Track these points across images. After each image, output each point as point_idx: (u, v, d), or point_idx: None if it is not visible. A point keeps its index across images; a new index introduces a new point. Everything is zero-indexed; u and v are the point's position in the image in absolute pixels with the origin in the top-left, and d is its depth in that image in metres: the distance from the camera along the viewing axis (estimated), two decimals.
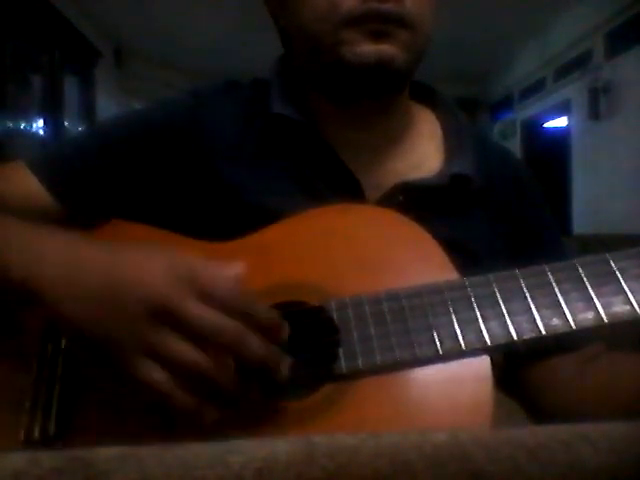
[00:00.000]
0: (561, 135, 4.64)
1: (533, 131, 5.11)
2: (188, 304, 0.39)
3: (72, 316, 0.42)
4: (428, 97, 0.67)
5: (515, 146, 5.16)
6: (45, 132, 3.27)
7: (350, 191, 0.57)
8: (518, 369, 0.61)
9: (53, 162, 0.60)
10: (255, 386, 0.44)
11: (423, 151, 0.63)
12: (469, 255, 0.55)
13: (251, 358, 0.40)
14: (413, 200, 0.57)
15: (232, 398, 0.42)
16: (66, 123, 3.53)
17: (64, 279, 0.42)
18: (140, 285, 0.40)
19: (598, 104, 3.75)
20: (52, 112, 3.34)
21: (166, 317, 0.39)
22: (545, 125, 5.08)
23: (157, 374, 0.39)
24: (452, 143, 0.62)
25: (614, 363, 0.56)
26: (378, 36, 0.53)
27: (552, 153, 4.67)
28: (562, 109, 4.46)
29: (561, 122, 4.75)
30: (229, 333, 0.40)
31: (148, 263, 0.42)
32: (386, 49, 0.53)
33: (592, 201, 4.03)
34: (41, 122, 3.26)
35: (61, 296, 0.42)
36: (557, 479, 0.21)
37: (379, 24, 0.53)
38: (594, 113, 3.80)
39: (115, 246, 0.45)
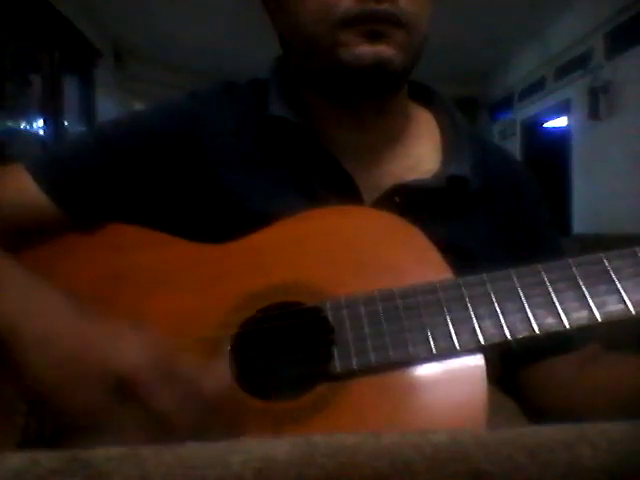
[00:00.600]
0: (561, 135, 4.64)
1: (533, 131, 5.11)
2: (153, 389, 0.39)
3: (38, 377, 0.41)
4: (426, 97, 0.67)
5: (515, 146, 5.16)
6: (45, 132, 3.26)
7: (347, 193, 0.57)
8: (517, 369, 0.61)
9: (52, 165, 0.60)
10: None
11: (421, 152, 0.63)
12: (466, 256, 0.55)
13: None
14: (410, 202, 0.57)
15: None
16: (66, 123, 3.52)
17: (39, 338, 0.42)
18: (112, 358, 0.40)
19: (598, 104, 3.75)
20: (52, 112, 3.34)
21: (128, 395, 0.39)
22: (545, 125, 5.08)
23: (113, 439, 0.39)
24: (450, 144, 0.62)
25: (611, 364, 0.57)
26: (374, 37, 0.53)
27: (552, 153, 4.67)
28: (562, 109, 4.46)
29: (561, 122, 4.75)
30: (186, 423, 0.39)
31: (130, 340, 0.42)
32: (383, 50, 0.53)
33: (592, 201, 4.03)
34: (41, 122, 3.26)
35: (32, 355, 0.41)
36: (557, 479, 0.21)
37: (375, 25, 0.53)
38: (594, 113, 3.80)
39: (100, 315, 0.44)
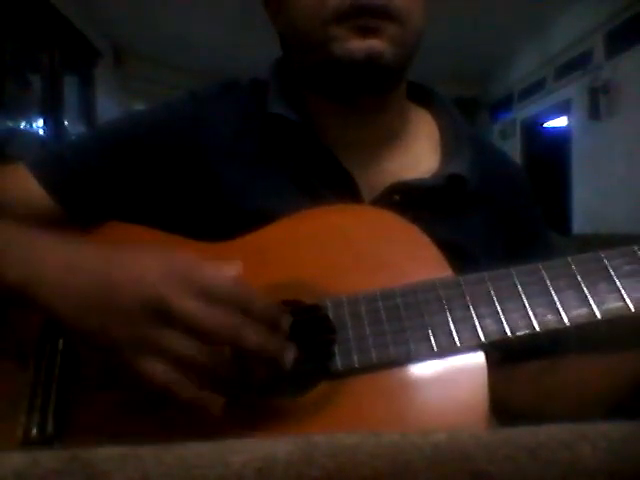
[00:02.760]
0: (561, 135, 4.64)
1: (533, 131, 5.11)
2: (183, 300, 0.40)
3: (69, 318, 0.42)
4: (426, 98, 0.67)
5: (515, 146, 5.16)
6: (45, 132, 3.26)
7: (347, 191, 0.58)
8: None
9: (53, 164, 0.60)
10: (257, 375, 0.44)
11: (420, 151, 0.63)
12: (465, 255, 0.55)
13: (252, 349, 0.40)
14: (409, 200, 0.57)
15: (234, 388, 0.42)
16: (66, 123, 3.52)
17: (60, 282, 0.43)
18: (135, 283, 0.41)
19: (598, 104, 3.75)
20: (52, 112, 3.34)
21: (162, 314, 0.40)
22: (545, 125, 5.08)
23: (158, 369, 0.40)
24: (449, 144, 0.62)
25: (579, 364, 0.57)
26: (366, 31, 0.53)
27: (552, 153, 4.67)
28: (562, 109, 4.46)
29: (561, 122, 4.75)
30: (226, 326, 0.40)
31: (143, 262, 0.42)
32: (375, 44, 0.53)
33: (592, 201, 4.02)
34: (41, 122, 3.26)
35: (57, 299, 0.42)
36: (557, 479, 0.21)
37: (367, 19, 0.53)
38: (594, 113, 3.80)
39: (111, 247, 0.45)
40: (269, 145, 0.60)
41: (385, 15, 0.53)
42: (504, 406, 0.59)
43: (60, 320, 0.43)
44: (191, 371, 0.40)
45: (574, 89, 4.15)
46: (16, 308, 0.49)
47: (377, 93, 0.59)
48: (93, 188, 0.59)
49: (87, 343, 0.45)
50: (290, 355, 0.42)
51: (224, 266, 0.43)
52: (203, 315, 0.40)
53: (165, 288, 0.40)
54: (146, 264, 0.42)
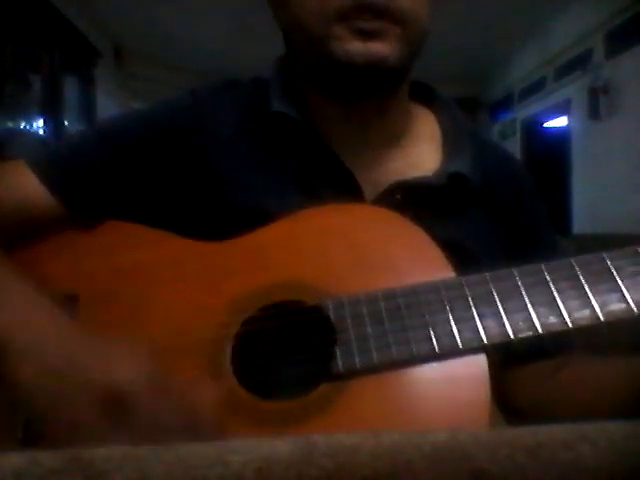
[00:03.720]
0: (561, 135, 4.64)
1: (533, 131, 5.11)
2: (144, 401, 0.39)
3: (28, 390, 0.41)
4: (427, 97, 0.67)
5: (515, 146, 5.16)
6: (45, 132, 3.26)
7: (348, 190, 0.57)
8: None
9: (53, 161, 0.60)
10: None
11: (421, 151, 0.63)
12: (467, 254, 0.55)
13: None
14: (411, 199, 0.57)
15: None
16: (66, 123, 3.53)
17: (30, 350, 0.42)
18: (103, 371, 0.40)
19: (598, 104, 3.74)
20: (52, 112, 3.34)
21: (116, 410, 0.39)
22: (545, 125, 5.08)
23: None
24: (450, 143, 0.62)
25: (586, 368, 0.57)
26: (368, 35, 0.52)
27: (552, 153, 4.67)
28: (562, 109, 4.46)
29: (561, 122, 4.75)
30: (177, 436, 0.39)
31: (119, 353, 0.42)
32: (377, 48, 0.52)
33: (592, 201, 4.02)
34: (41, 122, 3.26)
35: (23, 366, 0.41)
36: (557, 479, 0.21)
37: (371, 20, 0.52)
38: (594, 113, 3.80)
39: (91, 334, 0.44)
40: (270, 143, 0.60)
41: (388, 16, 0.52)
42: (511, 407, 0.59)
43: (19, 389, 0.41)
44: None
45: (574, 89, 4.15)
46: None
47: (378, 95, 0.59)
48: (94, 185, 0.59)
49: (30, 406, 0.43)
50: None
51: (201, 388, 0.42)
52: (158, 416, 0.39)
53: (133, 384, 0.39)
54: (121, 357, 0.41)
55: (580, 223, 4.20)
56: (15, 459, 0.22)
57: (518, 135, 5.25)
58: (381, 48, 0.52)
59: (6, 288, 0.46)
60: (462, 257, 0.50)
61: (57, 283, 0.54)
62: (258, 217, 0.54)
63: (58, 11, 3.28)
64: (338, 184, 0.58)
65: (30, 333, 0.43)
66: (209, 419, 0.40)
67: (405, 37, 0.54)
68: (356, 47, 0.52)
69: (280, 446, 0.23)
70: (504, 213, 0.63)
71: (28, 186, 0.58)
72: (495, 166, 0.65)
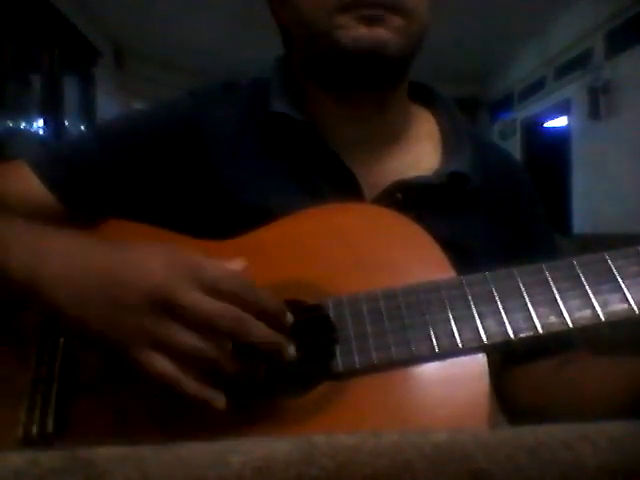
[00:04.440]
0: (561, 135, 4.64)
1: (533, 131, 5.11)
2: (187, 294, 0.40)
3: (74, 315, 0.42)
4: (427, 97, 0.67)
5: (515, 146, 5.16)
6: (45, 132, 3.26)
7: (348, 189, 0.58)
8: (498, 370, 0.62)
9: (54, 161, 0.60)
10: (260, 369, 0.44)
11: (421, 150, 0.63)
12: (467, 254, 0.55)
13: (254, 342, 0.41)
14: (411, 198, 0.57)
15: (238, 382, 0.42)
16: (66, 123, 3.53)
17: (64, 279, 0.43)
18: (140, 278, 0.41)
19: (598, 104, 3.75)
20: (52, 112, 3.34)
21: (167, 308, 0.40)
22: (545, 125, 5.08)
23: (162, 364, 0.40)
24: (450, 142, 0.62)
25: (588, 366, 0.57)
26: (372, 20, 0.53)
27: (552, 153, 4.67)
28: (562, 109, 4.46)
29: (561, 122, 4.75)
30: (229, 319, 0.40)
31: (147, 258, 0.43)
32: (381, 33, 0.53)
33: (592, 201, 4.02)
34: (41, 122, 3.26)
35: (62, 296, 0.42)
36: (557, 479, 0.21)
37: (372, 9, 0.53)
38: (594, 113, 3.80)
39: (115, 244, 0.45)
40: (270, 143, 0.60)
41: (390, 6, 0.53)
42: (511, 406, 0.59)
43: (65, 318, 0.43)
44: (195, 366, 0.40)
45: (574, 89, 4.15)
46: (20, 306, 0.49)
47: (380, 87, 0.59)
48: (94, 186, 0.59)
49: (90, 341, 0.45)
50: (292, 350, 0.43)
51: (229, 262, 0.44)
52: (208, 308, 0.40)
53: (170, 282, 0.40)
54: (151, 259, 0.42)
55: (580, 223, 4.20)
56: (15, 459, 0.22)
57: (518, 135, 5.25)
58: (384, 33, 0.53)
59: (14, 232, 0.47)
60: (462, 256, 0.50)
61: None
62: (258, 216, 0.54)
63: (58, 11, 3.28)
64: (338, 183, 0.58)
65: (57, 259, 0.44)
66: (250, 292, 0.42)
67: (405, 28, 0.54)
68: (362, 33, 0.53)
69: (280, 446, 0.23)
70: (503, 213, 0.63)
71: (29, 186, 0.58)
72: (494, 166, 0.65)
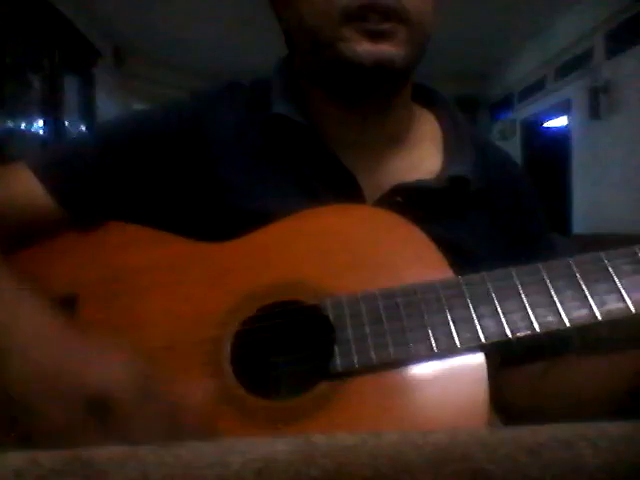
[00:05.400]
0: (561, 135, 4.64)
1: (533, 131, 5.11)
2: (130, 406, 0.39)
3: (16, 380, 0.41)
4: (428, 99, 0.67)
5: (515, 146, 5.16)
6: (45, 132, 3.26)
7: (349, 192, 0.57)
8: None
9: (54, 163, 0.60)
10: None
11: (422, 153, 0.63)
12: (467, 257, 0.55)
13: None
14: (411, 201, 0.57)
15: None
16: (66, 123, 3.52)
17: (23, 347, 0.42)
18: (91, 373, 0.40)
19: (598, 104, 3.75)
20: (52, 112, 3.33)
21: (102, 411, 0.39)
22: (545, 125, 5.08)
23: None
24: (451, 145, 0.62)
25: (579, 365, 0.57)
26: (377, 36, 0.53)
27: (552, 153, 4.67)
28: (562, 109, 4.46)
29: (561, 122, 4.75)
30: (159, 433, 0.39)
31: (107, 356, 0.42)
32: (385, 49, 0.53)
33: (592, 201, 4.02)
34: (41, 122, 3.26)
35: (13, 362, 0.41)
36: (557, 478, 0.21)
37: (378, 21, 0.52)
38: (594, 113, 3.80)
39: (82, 332, 0.44)
40: (271, 146, 0.60)
41: (395, 16, 0.52)
42: (505, 406, 0.59)
43: (3, 382, 0.42)
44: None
45: (574, 89, 4.15)
46: None
47: (382, 96, 0.59)
48: (95, 189, 0.59)
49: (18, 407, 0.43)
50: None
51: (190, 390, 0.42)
52: (142, 423, 0.39)
53: (120, 387, 0.39)
54: (104, 364, 0.41)
55: (580, 223, 4.21)
56: (15, 459, 0.22)
57: (518, 135, 5.25)
58: (390, 48, 0.53)
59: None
60: (462, 259, 0.50)
61: (57, 284, 0.54)
62: (258, 219, 0.54)
63: (58, 11, 3.28)
64: (339, 187, 0.58)
65: (19, 332, 0.43)
66: (194, 420, 0.40)
67: (411, 38, 0.54)
68: (365, 48, 0.53)
69: (280, 446, 0.23)
70: (503, 215, 0.63)
71: (29, 188, 0.58)
72: (495, 168, 0.65)
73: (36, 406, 0.40)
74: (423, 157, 0.62)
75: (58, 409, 0.39)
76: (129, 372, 0.40)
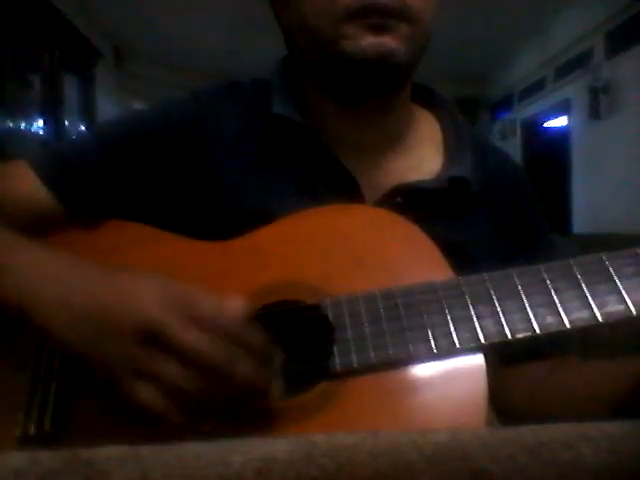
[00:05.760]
0: (561, 135, 4.63)
1: (533, 131, 5.11)
2: (179, 328, 0.40)
3: (64, 339, 0.42)
4: (428, 99, 0.67)
5: (515, 146, 5.16)
6: (45, 132, 3.26)
7: (349, 192, 0.57)
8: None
9: (55, 162, 0.60)
10: (243, 407, 0.44)
11: (423, 153, 0.63)
12: (467, 257, 0.55)
13: (240, 385, 0.41)
14: (411, 202, 0.57)
15: (221, 415, 0.42)
16: (66, 123, 3.53)
17: (56, 302, 0.43)
18: (131, 307, 0.41)
19: (598, 104, 3.74)
20: (52, 112, 3.33)
21: (156, 339, 0.40)
22: (545, 125, 5.08)
23: (146, 393, 0.40)
24: (452, 146, 0.62)
25: (580, 368, 0.57)
26: (379, 29, 0.53)
27: (552, 153, 4.66)
28: (562, 109, 4.46)
29: (561, 122, 4.75)
30: (219, 359, 0.40)
31: (141, 286, 0.43)
32: (387, 42, 0.53)
33: (592, 201, 4.02)
34: (41, 122, 3.26)
35: (53, 319, 0.43)
36: (557, 478, 0.21)
37: (379, 18, 0.53)
38: (594, 113, 3.80)
39: (110, 268, 0.46)
40: (271, 146, 0.60)
41: (397, 14, 0.53)
42: (504, 407, 0.59)
43: (55, 341, 0.43)
44: (180, 398, 0.40)
45: (574, 89, 4.15)
46: (14, 326, 0.49)
47: (384, 93, 0.59)
48: (95, 187, 0.59)
49: (78, 363, 0.45)
50: (276, 392, 0.44)
51: (228, 299, 0.43)
52: (197, 346, 0.40)
53: (162, 314, 0.40)
54: (144, 288, 0.42)
55: (580, 223, 4.20)
56: (15, 459, 0.22)
57: (518, 135, 5.25)
58: (391, 41, 0.53)
59: (14, 250, 0.48)
60: (462, 260, 0.50)
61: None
62: (257, 219, 0.54)
63: (58, 11, 3.28)
64: (339, 187, 0.58)
65: (52, 286, 0.44)
66: (242, 331, 0.41)
67: (412, 36, 0.54)
68: (368, 42, 0.53)
69: (280, 446, 0.23)
70: (504, 216, 0.63)
71: (30, 186, 0.58)
72: (495, 169, 0.65)
73: (91, 349, 0.41)
74: (423, 158, 0.62)
75: (113, 346, 0.40)
76: (167, 294, 0.41)
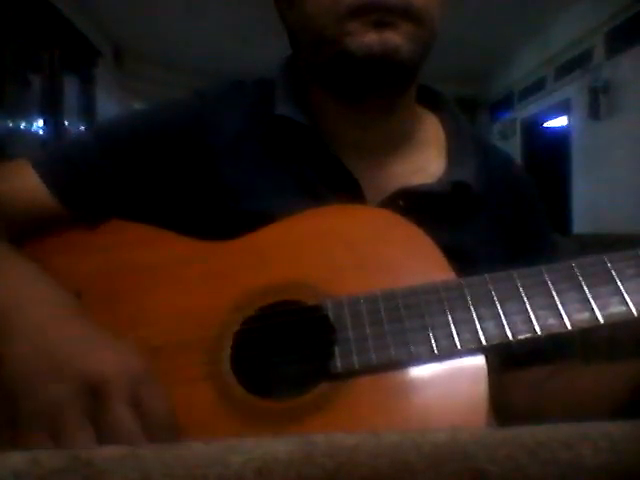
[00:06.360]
0: (561, 135, 4.64)
1: (533, 131, 5.11)
2: (117, 396, 0.39)
3: (11, 361, 0.42)
4: (432, 101, 0.67)
5: (515, 146, 5.16)
6: (45, 132, 3.27)
7: (351, 194, 0.57)
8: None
9: (56, 161, 0.60)
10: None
11: (426, 156, 0.62)
12: (469, 261, 0.54)
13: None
14: (413, 205, 0.57)
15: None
16: (66, 123, 3.53)
17: (27, 328, 0.43)
18: (92, 359, 0.41)
19: (598, 104, 3.75)
20: (52, 112, 3.34)
21: (95, 394, 0.39)
22: (545, 125, 5.08)
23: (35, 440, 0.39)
24: (455, 149, 0.62)
25: (580, 371, 0.57)
26: (382, 25, 0.52)
27: (552, 153, 4.67)
28: (562, 109, 4.46)
29: (561, 122, 4.75)
30: (129, 437, 0.39)
31: (111, 349, 0.42)
32: (391, 37, 0.52)
33: (592, 201, 4.03)
34: (41, 122, 3.26)
35: (16, 343, 0.42)
36: (557, 478, 0.21)
37: (382, 15, 0.52)
38: (594, 113, 3.80)
39: (92, 324, 0.45)
40: (274, 146, 0.60)
41: (401, 12, 0.52)
42: (504, 409, 0.59)
43: (3, 358, 0.42)
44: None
45: (574, 89, 4.15)
46: None
47: (388, 92, 0.58)
48: (96, 186, 0.59)
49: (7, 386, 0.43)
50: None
51: (166, 400, 0.42)
52: (122, 418, 0.39)
53: (115, 377, 0.40)
54: (112, 351, 0.42)
55: (580, 223, 4.21)
56: (15, 459, 0.22)
57: (518, 135, 5.25)
58: (394, 37, 0.53)
59: (5, 267, 0.48)
60: (464, 263, 0.50)
61: (59, 281, 0.54)
62: (259, 219, 0.54)
63: (58, 11, 3.28)
64: (341, 189, 0.57)
65: (28, 313, 0.44)
66: (167, 427, 0.41)
67: (416, 34, 0.54)
68: (372, 38, 0.52)
69: (280, 446, 0.23)
70: (506, 218, 0.63)
71: (31, 186, 0.58)
72: (498, 171, 0.65)
73: (31, 383, 0.41)
74: (427, 160, 0.62)
75: (51, 388, 0.40)
76: (128, 366, 0.41)
